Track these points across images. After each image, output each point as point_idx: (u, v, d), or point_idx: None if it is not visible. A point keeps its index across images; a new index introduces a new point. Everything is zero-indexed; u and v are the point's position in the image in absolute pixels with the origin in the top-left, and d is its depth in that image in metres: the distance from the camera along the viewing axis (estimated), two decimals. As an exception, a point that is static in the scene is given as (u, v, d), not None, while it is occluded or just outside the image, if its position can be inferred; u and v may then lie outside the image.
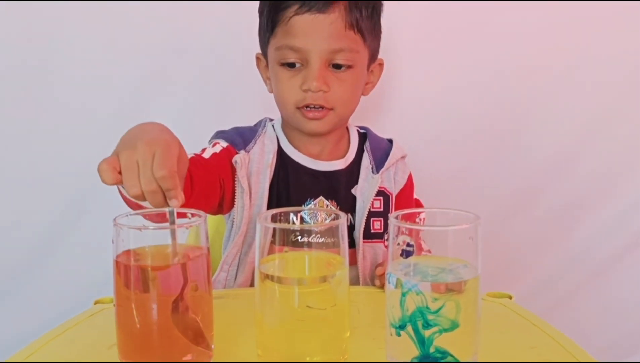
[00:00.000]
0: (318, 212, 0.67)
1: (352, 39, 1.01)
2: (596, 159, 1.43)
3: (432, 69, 1.37)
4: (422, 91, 1.38)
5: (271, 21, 1.02)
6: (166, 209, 0.66)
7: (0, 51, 1.26)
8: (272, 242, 0.59)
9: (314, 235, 0.60)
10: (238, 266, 1.03)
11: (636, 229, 1.46)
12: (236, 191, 1.01)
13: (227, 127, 1.10)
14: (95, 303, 0.86)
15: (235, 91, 1.33)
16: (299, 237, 0.60)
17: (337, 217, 0.64)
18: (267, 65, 1.08)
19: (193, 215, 0.65)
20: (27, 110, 1.28)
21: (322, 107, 1.02)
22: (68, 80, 1.28)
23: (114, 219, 0.61)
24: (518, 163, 1.43)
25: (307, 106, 1.02)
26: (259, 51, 1.10)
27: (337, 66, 1.01)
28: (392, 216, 0.61)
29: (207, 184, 0.95)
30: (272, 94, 1.09)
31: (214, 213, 1.05)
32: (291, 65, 1.01)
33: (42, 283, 1.33)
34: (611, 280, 1.48)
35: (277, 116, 1.13)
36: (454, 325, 0.59)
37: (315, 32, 0.99)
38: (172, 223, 0.65)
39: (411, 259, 0.60)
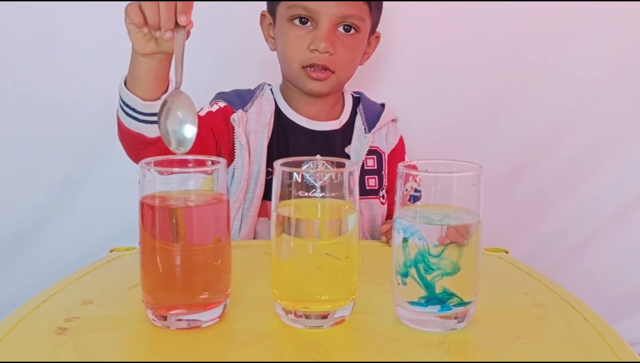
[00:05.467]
0: (319, 165, 0.68)
1: (361, 7, 1.05)
2: (596, 124, 1.46)
3: (432, 37, 1.39)
4: (421, 56, 1.40)
5: None
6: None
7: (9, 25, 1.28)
8: (288, 186, 0.61)
9: (324, 183, 0.62)
10: (242, 220, 1.07)
11: (634, 191, 1.50)
12: (235, 147, 1.05)
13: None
14: (111, 251, 0.88)
15: (241, 57, 1.34)
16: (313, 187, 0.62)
17: (342, 165, 0.64)
18: (271, 23, 1.11)
19: (213, 162, 0.64)
20: (35, 77, 1.30)
21: (326, 68, 1.05)
22: (74, 45, 1.29)
23: (140, 163, 0.61)
24: (519, 127, 1.45)
25: (311, 66, 1.05)
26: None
27: (347, 29, 1.05)
28: (400, 164, 0.64)
29: (201, 138, 0.97)
30: (271, 60, 1.12)
31: None
32: (303, 21, 1.04)
33: (58, 235, 1.35)
34: (610, 241, 1.52)
35: (275, 81, 1.16)
36: (455, 269, 0.62)
37: None
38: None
39: (418, 206, 0.63)
